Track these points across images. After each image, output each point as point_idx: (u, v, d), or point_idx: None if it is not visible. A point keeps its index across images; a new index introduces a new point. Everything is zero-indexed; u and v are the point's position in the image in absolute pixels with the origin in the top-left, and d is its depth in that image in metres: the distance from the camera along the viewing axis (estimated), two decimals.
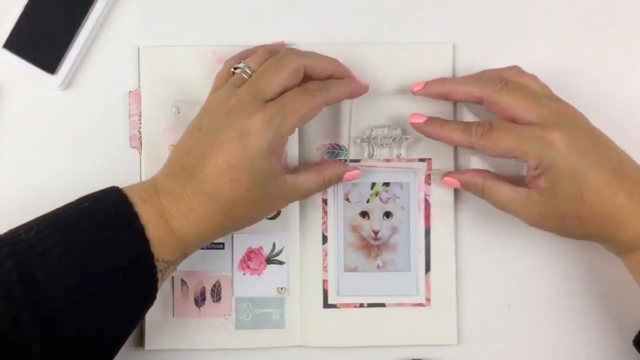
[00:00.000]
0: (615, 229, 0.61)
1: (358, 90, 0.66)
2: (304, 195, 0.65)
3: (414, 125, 0.66)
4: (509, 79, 0.63)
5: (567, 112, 0.62)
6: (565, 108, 0.63)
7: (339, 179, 0.66)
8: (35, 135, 0.69)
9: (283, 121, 0.59)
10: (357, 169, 0.67)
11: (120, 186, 0.60)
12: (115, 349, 0.60)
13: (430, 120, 0.65)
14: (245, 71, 0.62)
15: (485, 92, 0.63)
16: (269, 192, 0.60)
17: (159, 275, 0.59)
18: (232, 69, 0.63)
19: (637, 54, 0.70)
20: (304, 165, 0.68)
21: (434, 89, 0.66)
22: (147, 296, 0.60)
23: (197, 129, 0.61)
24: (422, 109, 0.67)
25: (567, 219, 0.61)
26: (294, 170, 0.64)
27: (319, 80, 0.63)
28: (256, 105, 0.59)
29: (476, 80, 0.64)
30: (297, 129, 0.67)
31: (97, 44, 0.69)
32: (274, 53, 0.64)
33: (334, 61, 0.66)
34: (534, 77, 0.65)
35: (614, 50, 0.70)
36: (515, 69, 0.65)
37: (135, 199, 0.59)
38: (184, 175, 0.60)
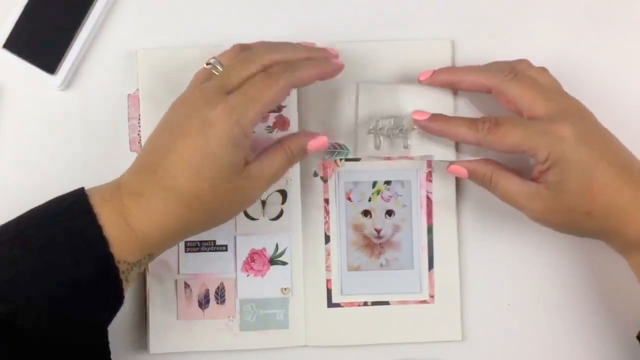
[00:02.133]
0: (622, 226, 0.60)
1: (329, 70, 0.62)
2: (274, 179, 0.61)
3: (417, 122, 0.65)
4: (519, 71, 0.63)
5: (574, 107, 0.62)
6: (573, 103, 0.62)
7: (303, 150, 0.63)
8: (35, 136, 0.68)
9: (245, 111, 0.57)
10: (319, 134, 0.63)
11: None
12: (89, 354, 0.58)
13: (435, 116, 0.64)
14: (216, 67, 0.60)
15: (494, 82, 0.62)
16: (234, 184, 0.58)
17: (122, 277, 0.57)
18: (205, 64, 0.61)
19: (637, 49, 0.70)
20: (265, 148, 0.62)
21: (441, 77, 0.65)
22: (112, 298, 0.58)
23: (164, 123, 0.59)
24: (426, 101, 0.67)
25: (574, 214, 0.60)
26: (256, 158, 0.60)
27: (283, 62, 0.60)
28: (218, 96, 0.57)
29: (486, 69, 0.64)
30: (298, 128, 0.67)
31: (97, 45, 0.69)
32: (248, 48, 0.62)
33: (307, 49, 0.63)
34: (543, 71, 0.64)
35: (615, 47, 0.70)
36: (526, 62, 0.65)
37: (96, 199, 0.58)
38: (146, 171, 0.58)
